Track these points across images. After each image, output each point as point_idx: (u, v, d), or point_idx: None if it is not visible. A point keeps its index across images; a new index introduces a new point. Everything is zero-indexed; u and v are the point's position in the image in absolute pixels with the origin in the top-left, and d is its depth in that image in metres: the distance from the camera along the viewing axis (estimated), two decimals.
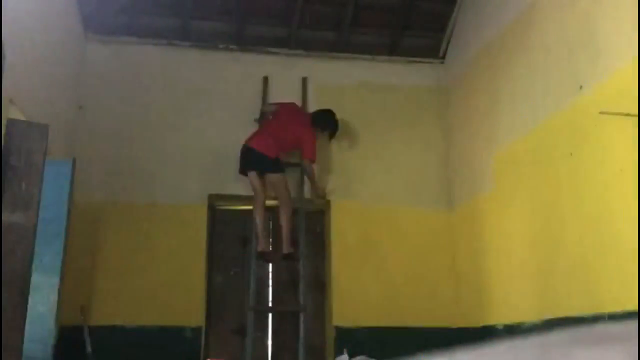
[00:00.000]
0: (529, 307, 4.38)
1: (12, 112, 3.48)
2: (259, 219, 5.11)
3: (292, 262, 5.33)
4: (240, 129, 5.56)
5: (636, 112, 3.23)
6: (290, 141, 5.26)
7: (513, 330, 4.51)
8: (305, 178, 5.46)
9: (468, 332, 5.17)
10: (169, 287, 5.09)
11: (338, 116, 5.77)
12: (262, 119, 5.54)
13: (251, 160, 5.12)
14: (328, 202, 5.60)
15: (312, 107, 5.78)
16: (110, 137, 5.38)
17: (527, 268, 4.45)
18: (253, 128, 5.57)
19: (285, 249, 5.13)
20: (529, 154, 4.49)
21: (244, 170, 5.17)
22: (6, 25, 3.13)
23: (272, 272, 5.53)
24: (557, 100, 4.15)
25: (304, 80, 5.79)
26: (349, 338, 5.12)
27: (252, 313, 5.03)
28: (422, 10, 5.95)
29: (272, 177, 5.15)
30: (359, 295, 5.34)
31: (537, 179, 4.36)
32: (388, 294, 5.36)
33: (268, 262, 5.35)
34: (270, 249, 5.26)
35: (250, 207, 5.64)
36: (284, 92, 5.76)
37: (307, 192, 5.57)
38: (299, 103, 5.66)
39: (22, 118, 3.60)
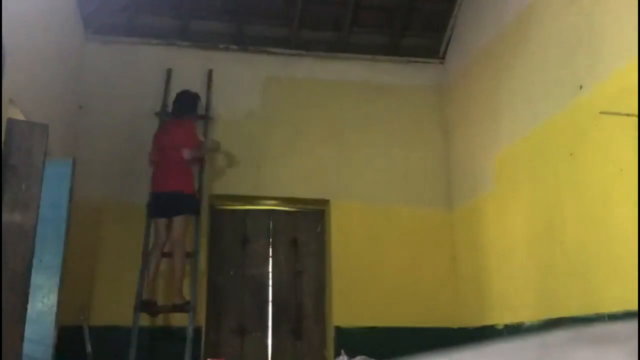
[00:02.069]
0: (528, 307, 4.38)
1: (12, 112, 3.48)
2: (153, 266, 4.76)
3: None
4: (241, 128, 5.58)
5: (636, 112, 3.23)
6: (181, 155, 4.90)
7: (513, 330, 4.51)
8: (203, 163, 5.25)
9: (468, 332, 5.18)
10: (168, 287, 5.08)
11: (339, 116, 5.78)
12: (162, 114, 5.33)
13: (169, 204, 4.79)
14: (328, 202, 5.61)
15: (310, 107, 5.79)
16: (110, 137, 5.38)
17: (527, 268, 4.45)
18: (251, 122, 5.59)
19: (178, 299, 4.75)
20: (529, 154, 4.48)
21: (156, 215, 4.86)
22: (6, 25, 3.13)
23: (272, 270, 5.53)
24: (557, 100, 4.15)
25: (210, 73, 5.64)
26: (349, 338, 5.12)
27: (137, 314, 4.72)
28: (422, 10, 5.95)
29: (181, 218, 4.80)
30: (359, 295, 5.34)
31: (537, 179, 4.36)
32: (388, 294, 5.36)
33: (153, 313, 4.85)
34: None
35: (250, 207, 5.66)
36: (284, 92, 5.77)
37: (306, 191, 5.57)
38: (204, 95, 5.50)
39: (22, 118, 3.60)
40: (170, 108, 5.32)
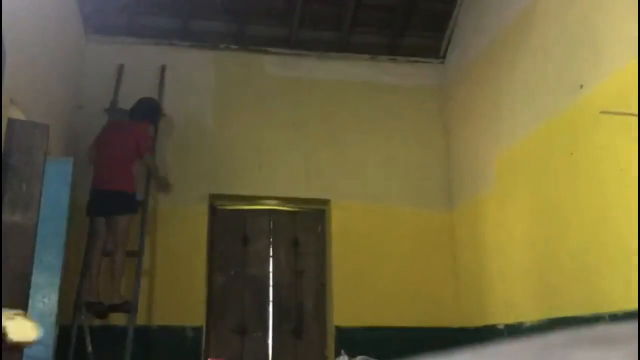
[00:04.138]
0: (529, 307, 4.38)
1: (12, 112, 3.48)
2: (95, 268, 4.69)
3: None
4: (241, 127, 5.59)
5: (636, 111, 3.23)
6: (131, 156, 4.86)
7: (513, 330, 4.51)
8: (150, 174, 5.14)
9: (468, 332, 5.17)
10: (169, 286, 5.09)
11: (340, 116, 5.78)
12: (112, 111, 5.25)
13: (107, 203, 4.72)
14: (328, 202, 5.61)
15: (310, 107, 5.78)
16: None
17: (527, 268, 4.44)
18: (251, 122, 5.59)
19: (117, 299, 4.68)
20: (530, 154, 4.48)
21: (94, 214, 4.76)
22: (6, 25, 3.13)
23: (273, 270, 5.53)
24: (558, 100, 4.15)
25: (162, 69, 5.58)
26: (349, 338, 5.12)
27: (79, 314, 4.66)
28: (423, 10, 5.95)
29: (122, 218, 4.73)
30: (359, 295, 5.34)
31: (538, 179, 4.36)
32: (388, 294, 5.36)
33: (99, 315, 4.74)
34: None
35: (250, 207, 5.66)
36: (284, 92, 5.77)
37: (306, 191, 5.57)
38: (155, 94, 5.42)
39: (22, 118, 3.60)
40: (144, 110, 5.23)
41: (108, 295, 4.72)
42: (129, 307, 4.69)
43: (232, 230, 5.57)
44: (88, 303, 4.64)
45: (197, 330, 5.08)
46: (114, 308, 4.71)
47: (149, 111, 5.19)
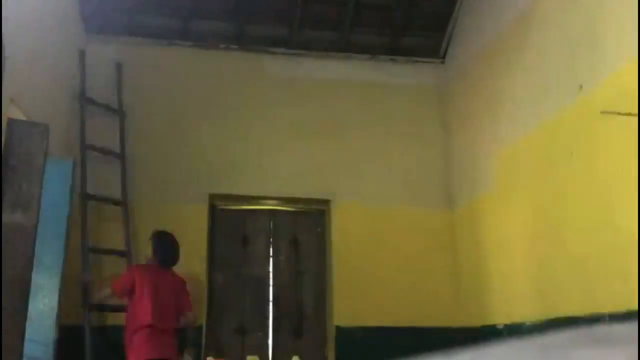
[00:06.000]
0: (529, 307, 4.38)
1: (12, 112, 3.48)
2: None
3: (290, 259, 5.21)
4: (241, 127, 5.59)
5: (636, 111, 3.23)
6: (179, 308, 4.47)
7: (513, 330, 4.51)
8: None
9: (468, 332, 5.17)
10: None
11: (340, 116, 5.79)
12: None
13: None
14: (328, 202, 5.61)
15: (310, 107, 5.78)
16: (109, 137, 5.37)
17: (527, 268, 4.44)
18: (251, 122, 5.59)
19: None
20: (530, 154, 4.48)
21: None
22: (6, 25, 3.13)
23: (273, 270, 5.53)
24: (558, 100, 4.15)
25: (118, 66, 5.49)
26: (349, 338, 5.12)
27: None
28: (422, 10, 5.95)
29: None
30: (360, 295, 5.34)
31: (538, 179, 4.36)
32: (388, 294, 5.36)
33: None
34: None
35: (250, 207, 5.66)
36: (285, 92, 5.77)
37: (306, 191, 5.58)
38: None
39: (22, 118, 3.60)
40: (163, 257, 4.59)
41: None
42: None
43: (232, 230, 5.57)
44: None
45: (197, 330, 5.08)
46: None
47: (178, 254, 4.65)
